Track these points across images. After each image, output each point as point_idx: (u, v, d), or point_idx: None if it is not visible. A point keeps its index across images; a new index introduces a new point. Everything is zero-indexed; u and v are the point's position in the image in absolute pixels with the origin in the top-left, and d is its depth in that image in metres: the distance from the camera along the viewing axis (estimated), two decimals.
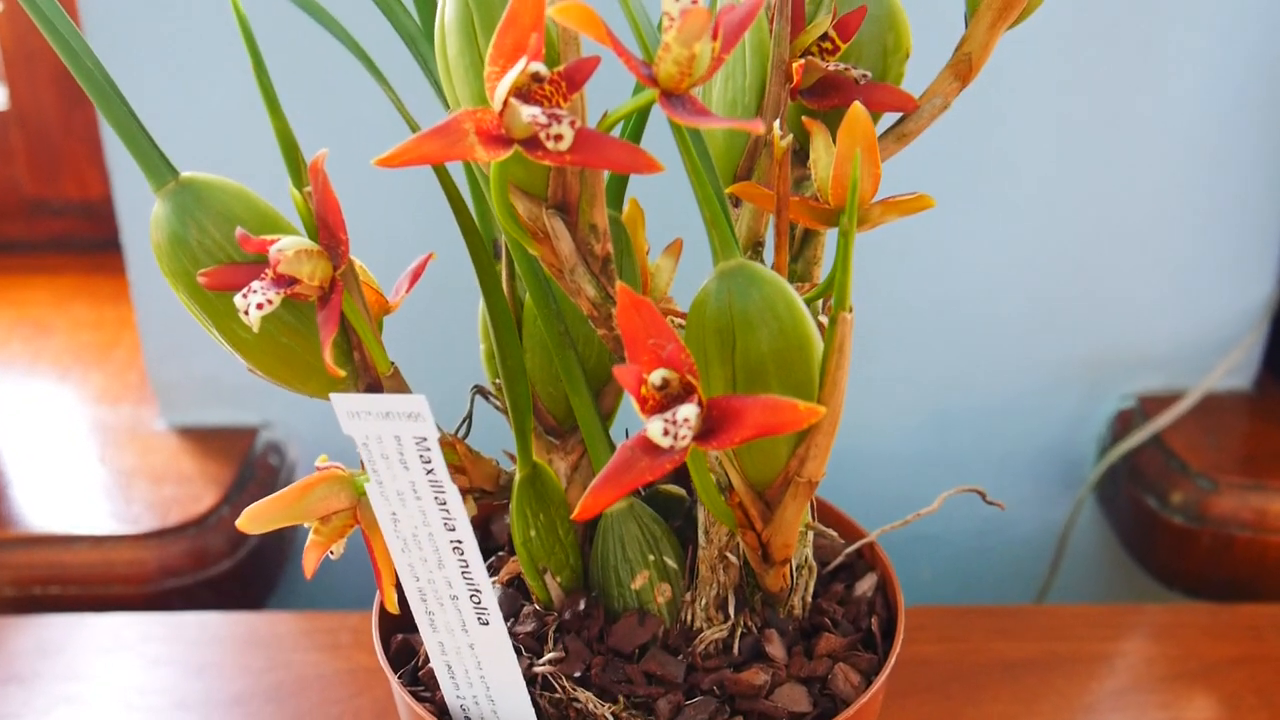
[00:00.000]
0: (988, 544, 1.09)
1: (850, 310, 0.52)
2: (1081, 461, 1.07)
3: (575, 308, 0.62)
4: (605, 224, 0.55)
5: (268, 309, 0.51)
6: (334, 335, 0.52)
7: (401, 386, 0.58)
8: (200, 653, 0.89)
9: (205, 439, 1.06)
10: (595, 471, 0.63)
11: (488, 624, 0.56)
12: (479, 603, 0.56)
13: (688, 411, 0.48)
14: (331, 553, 0.58)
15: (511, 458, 0.67)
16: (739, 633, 0.61)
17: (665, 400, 0.49)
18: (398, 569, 0.57)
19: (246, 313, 0.51)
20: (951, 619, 0.89)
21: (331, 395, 0.53)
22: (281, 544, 1.05)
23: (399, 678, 0.61)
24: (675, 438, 0.48)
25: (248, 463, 1.03)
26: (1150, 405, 1.02)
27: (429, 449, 0.52)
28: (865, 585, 0.66)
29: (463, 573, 0.55)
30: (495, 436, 0.69)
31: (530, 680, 0.60)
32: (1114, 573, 1.07)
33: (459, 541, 0.54)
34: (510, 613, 0.63)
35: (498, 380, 0.65)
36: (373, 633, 0.62)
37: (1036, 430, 1.06)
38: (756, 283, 0.52)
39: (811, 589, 0.64)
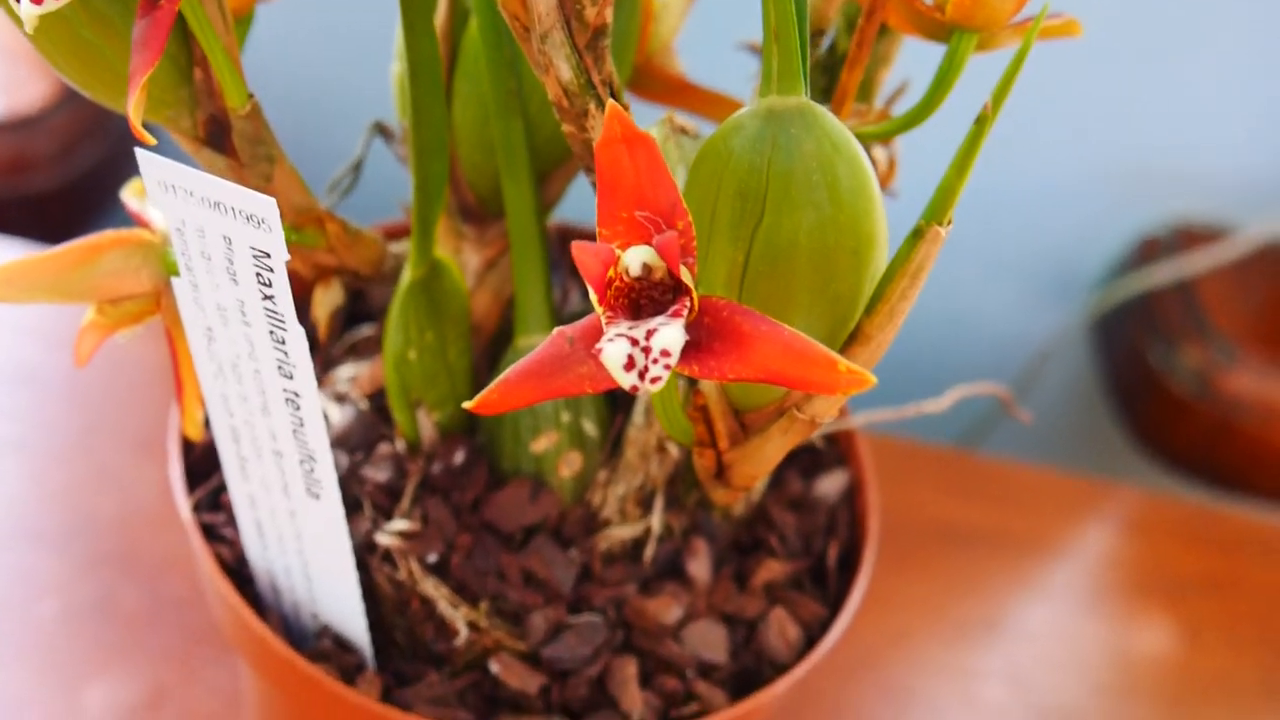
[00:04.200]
0: (946, 341, 0.94)
1: (948, 223, 0.34)
2: (1084, 284, 0.91)
3: None
4: None
5: (49, 6, 0.32)
6: (153, 66, 0.33)
7: (259, 130, 0.39)
8: None
9: None
10: (516, 280, 0.45)
11: (318, 497, 0.40)
12: (311, 471, 0.39)
13: (669, 339, 0.31)
14: (119, 337, 0.41)
15: (409, 213, 0.49)
16: (655, 535, 0.46)
17: (639, 293, 0.32)
18: (205, 394, 0.40)
19: None
20: (891, 454, 0.75)
21: (137, 152, 0.34)
22: (127, 162, 0.86)
23: (194, 504, 0.45)
24: (642, 374, 0.31)
25: None
26: (1185, 238, 0.86)
27: (271, 269, 0.34)
28: (829, 485, 0.51)
29: (294, 431, 0.38)
30: (394, 183, 0.51)
31: (368, 547, 0.44)
32: (1082, 423, 0.93)
33: (295, 394, 0.37)
34: (361, 444, 0.46)
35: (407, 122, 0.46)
36: (168, 442, 0.45)
37: (1041, 231, 0.90)
38: (815, 136, 0.34)
39: (763, 487, 0.48)
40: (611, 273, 0.32)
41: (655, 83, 0.48)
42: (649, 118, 0.42)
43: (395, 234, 0.51)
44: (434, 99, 0.40)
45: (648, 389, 0.30)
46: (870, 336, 0.36)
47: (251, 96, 0.38)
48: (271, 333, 0.36)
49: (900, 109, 0.45)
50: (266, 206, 0.33)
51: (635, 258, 0.32)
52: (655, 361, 0.30)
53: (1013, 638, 0.69)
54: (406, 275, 0.43)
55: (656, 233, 0.32)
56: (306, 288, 0.45)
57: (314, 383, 0.36)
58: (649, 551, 0.46)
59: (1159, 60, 0.83)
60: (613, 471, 0.46)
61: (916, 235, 0.34)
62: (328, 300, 0.45)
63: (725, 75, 0.48)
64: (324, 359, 0.50)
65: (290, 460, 0.39)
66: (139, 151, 0.34)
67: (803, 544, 0.49)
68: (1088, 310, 0.88)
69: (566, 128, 0.38)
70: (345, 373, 0.49)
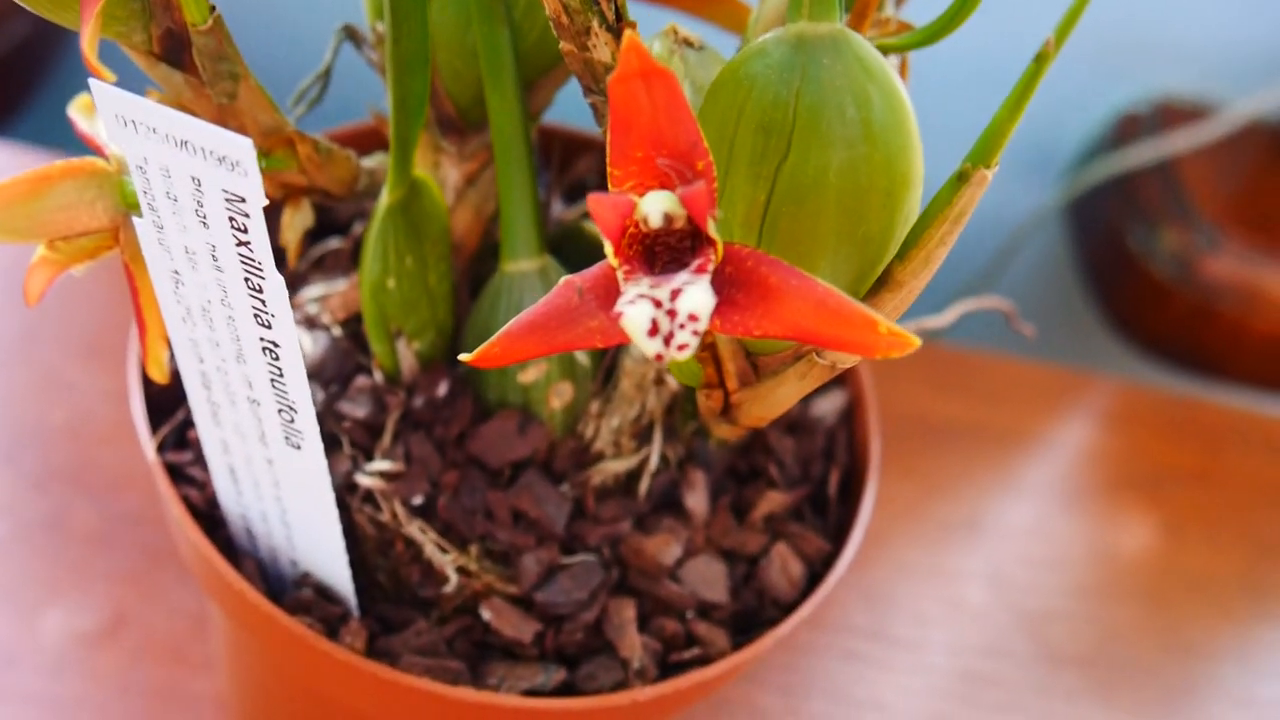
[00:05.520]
0: None
1: (995, 165, 0.31)
2: (1059, 162, 0.88)
3: None
4: None
5: None
6: None
7: (221, 45, 0.35)
8: None
9: None
10: (502, 199, 0.42)
11: (299, 448, 0.37)
12: (290, 421, 0.36)
13: (696, 302, 0.28)
14: (75, 272, 0.37)
15: (380, 119, 0.46)
16: (650, 468, 0.44)
17: (655, 240, 0.30)
18: (172, 338, 0.37)
19: None
20: None
21: (91, 84, 0.31)
22: (55, 40, 0.81)
23: (159, 445, 0.42)
24: (667, 340, 0.28)
25: None
26: (1167, 115, 0.83)
27: (247, 214, 0.31)
28: (827, 406, 0.48)
29: (272, 381, 0.35)
30: (360, 83, 0.47)
31: (348, 488, 0.41)
32: (1057, 308, 0.91)
33: (274, 343, 0.34)
34: (337, 376, 0.43)
35: (380, 25, 0.42)
36: (129, 378, 0.42)
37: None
38: (847, 65, 0.31)
39: None
40: (627, 222, 0.29)
41: None
42: (640, 17, 0.38)
43: (361, 139, 0.47)
44: (415, 6, 0.36)
45: (674, 356, 0.28)
46: (902, 283, 0.33)
47: (213, 9, 0.34)
48: (247, 279, 0.33)
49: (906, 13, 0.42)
50: (242, 148, 0.29)
51: (655, 207, 0.29)
52: (682, 327, 0.28)
53: (993, 537, 0.67)
54: (384, 197, 0.40)
55: (675, 173, 0.29)
56: (273, 208, 0.41)
57: (294, 331, 0.33)
58: (644, 486, 0.43)
59: None
60: (606, 402, 0.43)
61: (961, 179, 0.31)
62: (297, 222, 0.42)
63: None
64: (289, 276, 0.47)
65: (268, 409, 0.36)
66: (93, 83, 0.31)
67: (801, 470, 0.46)
68: (1063, 191, 0.85)
69: (564, 46, 0.34)
70: (313, 292, 0.46)
